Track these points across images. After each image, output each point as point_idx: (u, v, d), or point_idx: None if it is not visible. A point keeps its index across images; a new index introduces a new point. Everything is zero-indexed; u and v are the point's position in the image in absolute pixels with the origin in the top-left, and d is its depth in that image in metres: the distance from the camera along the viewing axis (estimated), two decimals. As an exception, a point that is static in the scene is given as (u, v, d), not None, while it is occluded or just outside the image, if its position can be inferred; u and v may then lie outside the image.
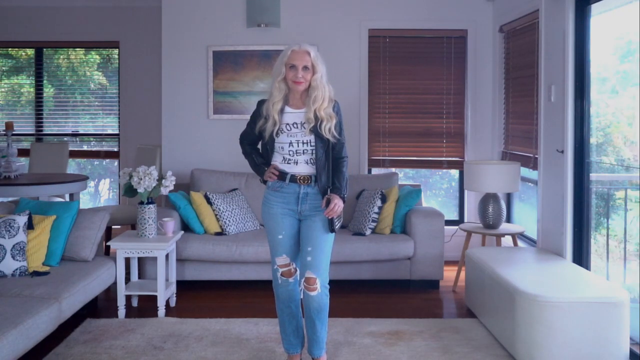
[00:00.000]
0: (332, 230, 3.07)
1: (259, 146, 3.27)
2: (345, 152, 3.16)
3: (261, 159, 3.20)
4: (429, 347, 3.58)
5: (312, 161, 3.08)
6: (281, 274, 3.17)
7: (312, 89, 3.04)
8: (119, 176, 4.40)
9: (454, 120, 5.75)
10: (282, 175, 3.09)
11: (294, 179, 3.08)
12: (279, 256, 3.16)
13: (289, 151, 3.07)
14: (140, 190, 4.16)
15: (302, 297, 3.15)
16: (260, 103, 3.18)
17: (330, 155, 3.09)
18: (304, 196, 3.10)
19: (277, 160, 3.12)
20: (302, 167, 3.08)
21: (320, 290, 3.07)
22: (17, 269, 3.73)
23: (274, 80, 3.10)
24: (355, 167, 5.61)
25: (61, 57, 7.01)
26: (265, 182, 3.20)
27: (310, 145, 3.07)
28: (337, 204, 3.01)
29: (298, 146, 3.07)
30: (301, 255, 3.14)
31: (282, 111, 3.08)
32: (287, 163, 3.09)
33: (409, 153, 5.81)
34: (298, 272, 3.18)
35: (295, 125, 3.07)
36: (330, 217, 3.04)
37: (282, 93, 3.07)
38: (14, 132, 5.48)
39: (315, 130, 3.04)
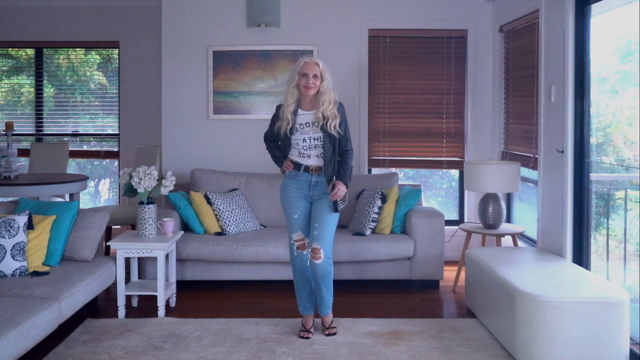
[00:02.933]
0: (336, 210, 3.67)
1: (279, 142, 3.84)
2: (350, 146, 3.77)
3: (280, 153, 3.83)
4: (429, 347, 3.58)
5: (321, 155, 3.69)
6: (296, 248, 3.76)
7: (320, 94, 3.66)
8: (119, 176, 4.40)
9: (454, 120, 5.75)
10: (297, 166, 3.72)
11: (307, 169, 3.71)
12: (295, 232, 3.77)
13: (303, 146, 3.70)
14: (140, 190, 4.15)
15: (309, 264, 3.67)
16: (278, 107, 3.79)
17: (336, 149, 3.70)
18: (315, 184, 3.73)
19: (293, 155, 3.75)
20: (314, 160, 3.71)
21: (323, 260, 3.64)
22: (17, 269, 3.73)
23: (288, 86, 3.72)
24: (356, 167, 5.61)
25: (61, 57, 7.00)
26: (283, 171, 3.81)
27: (320, 141, 3.68)
28: (340, 189, 3.64)
29: (310, 142, 3.69)
30: (310, 230, 3.73)
31: (295, 113, 3.69)
32: (302, 157, 3.72)
33: (409, 153, 5.81)
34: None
35: (307, 125, 3.69)
36: (334, 200, 3.63)
37: (294, 97, 3.70)
38: (14, 132, 5.48)
39: (323, 128, 3.64)
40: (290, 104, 3.67)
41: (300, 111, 3.70)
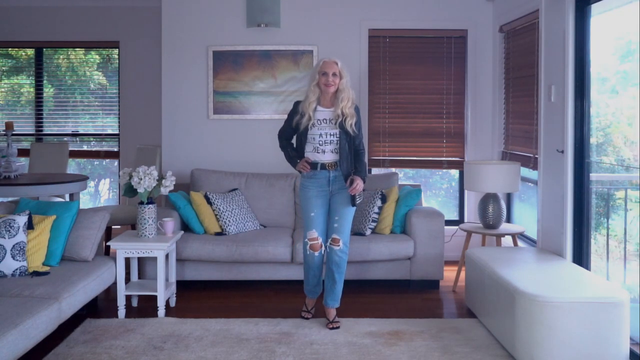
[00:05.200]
0: (353, 204, 3.88)
1: (293, 140, 4.05)
2: (362, 146, 4.03)
3: (294, 152, 4.03)
4: (429, 347, 3.58)
5: (335, 150, 3.91)
6: (309, 247, 3.93)
7: (339, 92, 3.88)
8: (119, 176, 4.40)
9: (454, 120, 5.75)
10: (313, 165, 3.91)
11: (323, 166, 3.91)
12: (310, 230, 3.93)
13: (319, 141, 3.89)
14: (140, 190, 4.15)
15: (327, 251, 3.92)
16: (297, 103, 4.01)
17: (352, 146, 3.92)
18: (333, 178, 3.93)
19: (308, 150, 3.94)
20: (328, 156, 3.91)
21: (341, 247, 3.89)
22: (17, 269, 3.73)
23: (309, 84, 3.95)
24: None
25: (61, 57, 7.00)
26: (300, 171, 3.98)
27: (336, 137, 3.89)
28: (359, 184, 3.83)
29: (326, 137, 3.89)
30: (330, 223, 3.94)
31: (315, 110, 3.90)
32: (317, 152, 3.91)
33: (409, 153, 5.81)
34: (323, 247, 3.94)
35: (325, 121, 3.90)
36: (352, 194, 3.82)
37: (315, 95, 3.90)
38: (14, 132, 5.47)
39: (340, 125, 3.86)
40: (311, 101, 3.89)
41: (319, 108, 3.93)
